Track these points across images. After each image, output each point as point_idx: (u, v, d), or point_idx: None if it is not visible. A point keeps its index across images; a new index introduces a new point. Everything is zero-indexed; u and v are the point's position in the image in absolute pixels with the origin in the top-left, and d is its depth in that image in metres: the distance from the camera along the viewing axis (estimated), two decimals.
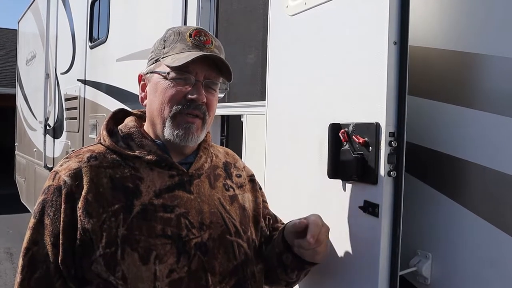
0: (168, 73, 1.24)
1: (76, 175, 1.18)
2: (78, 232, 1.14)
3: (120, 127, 1.31)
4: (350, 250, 1.34)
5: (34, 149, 7.37)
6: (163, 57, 1.27)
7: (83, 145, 4.98)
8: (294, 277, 1.39)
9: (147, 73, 1.31)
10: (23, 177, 8.50)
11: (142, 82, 1.34)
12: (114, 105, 4.16)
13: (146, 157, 1.24)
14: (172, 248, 1.17)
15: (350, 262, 1.34)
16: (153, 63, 1.30)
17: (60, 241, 1.14)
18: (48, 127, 6.58)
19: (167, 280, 1.15)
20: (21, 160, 8.80)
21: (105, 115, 4.35)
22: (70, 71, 5.58)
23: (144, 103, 1.33)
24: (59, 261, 1.14)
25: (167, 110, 1.24)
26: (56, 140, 6.19)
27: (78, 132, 5.18)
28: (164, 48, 1.28)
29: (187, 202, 1.24)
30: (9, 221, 9.60)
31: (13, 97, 9.93)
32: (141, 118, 1.38)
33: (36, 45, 7.46)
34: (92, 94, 4.79)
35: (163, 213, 1.19)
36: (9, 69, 14.71)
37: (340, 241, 1.38)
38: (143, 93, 1.33)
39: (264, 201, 1.51)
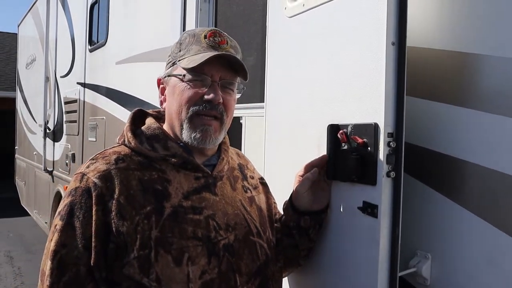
0: (184, 75, 1.25)
1: (105, 177, 1.18)
2: (112, 234, 1.13)
3: (143, 128, 1.31)
4: (349, 251, 1.34)
5: (34, 153, 7.37)
6: (179, 60, 1.28)
7: (82, 148, 5.01)
8: (315, 236, 1.43)
9: (165, 77, 1.33)
10: (23, 180, 8.50)
11: (161, 86, 1.36)
12: (113, 108, 4.16)
13: (172, 159, 1.25)
14: (203, 249, 1.19)
15: (349, 263, 1.34)
16: (170, 67, 1.32)
17: (93, 244, 1.13)
18: (48, 130, 6.57)
19: (199, 281, 1.17)
20: (21, 163, 8.80)
21: (104, 118, 4.36)
22: (70, 74, 5.58)
23: (164, 106, 1.34)
24: (92, 264, 1.13)
25: (185, 112, 1.25)
26: (56, 143, 6.19)
27: (77, 135, 5.18)
28: (180, 51, 1.29)
29: (214, 204, 1.26)
30: (9, 225, 9.60)
31: (13, 100, 9.93)
32: (157, 118, 1.38)
33: (36, 49, 7.47)
34: (92, 97, 4.79)
35: (192, 215, 1.21)
36: (9, 73, 14.74)
37: (339, 242, 1.38)
38: (162, 96, 1.35)
39: (274, 202, 1.54)
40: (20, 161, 8.86)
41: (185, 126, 1.25)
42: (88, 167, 1.22)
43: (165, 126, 1.34)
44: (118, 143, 1.31)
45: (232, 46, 1.31)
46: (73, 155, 5.27)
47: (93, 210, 1.15)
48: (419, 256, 1.40)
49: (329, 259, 1.43)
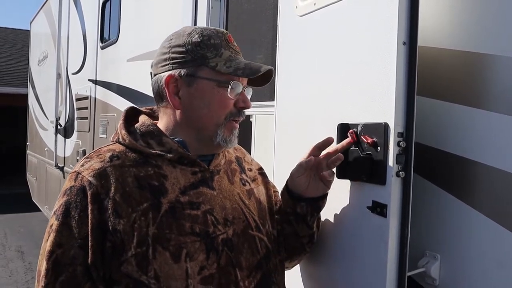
0: (219, 81, 1.23)
1: (100, 175, 1.17)
2: (108, 233, 1.13)
3: (137, 125, 1.30)
4: (358, 251, 1.34)
5: (46, 149, 7.44)
6: (209, 62, 1.22)
7: (93, 145, 5.04)
8: (314, 225, 1.42)
9: (184, 75, 1.23)
10: (34, 176, 8.58)
11: (172, 84, 1.25)
12: (124, 105, 4.18)
13: (168, 155, 1.24)
14: (201, 245, 1.18)
15: (358, 263, 1.34)
16: (192, 66, 1.23)
17: (89, 243, 1.12)
18: (59, 127, 6.63)
19: (198, 277, 1.16)
20: (32, 159, 8.89)
21: (115, 115, 4.38)
22: (81, 71, 5.62)
23: (179, 107, 1.26)
24: (89, 263, 1.12)
25: (222, 118, 1.25)
26: (67, 139, 6.24)
27: (88, 131, 5.22)
28: (205, 52, 1.23)
29: (211, 199, 1.25)
30: (20, 220, 9.69)
31: (25, 97, 10.02)
32: (150, 115, 1.37)
33: (48, 46, 7.54)
34: (103, 94, 4.83)
35: (190, 210, 1.20)
36: (22, 69, 14.86)
37: (348, 241, 1.38)
38: (175, 97, 1.25)
39: (275, 191, 1.52)
40: (32, 157, 8.94)
41: (220, 131, 1.26)
42: (82, 165, 1.21)
43: (160, 124, 1.31)
44: (113, 141, 1.30)
45: None
46: (84, 152, 5.31)
47: (89, 209, 1.13)
48: (428, 256, 1.40)
49: (337, 257, 1.43)
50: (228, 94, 1.24)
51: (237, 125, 1.30)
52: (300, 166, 1.36)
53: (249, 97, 1.33)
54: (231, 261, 1.22)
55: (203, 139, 1.28)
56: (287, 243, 1.44)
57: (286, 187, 1.42)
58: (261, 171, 1.51)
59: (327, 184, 1.37)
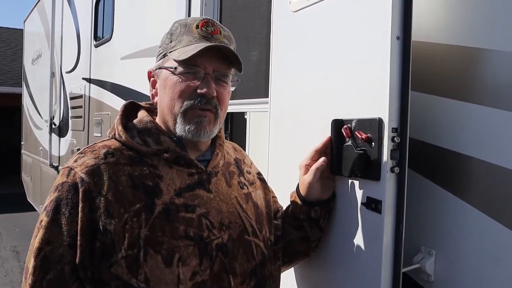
0: (176, 68, 1.20)
1: (93, 172, 1.13)
2: (99, 233, 1.09)
3: (135, 122, 1.26)
4: (352, 247, 1.33)
5: (40, 148, 7.40)
6: (170, 51, 1.23)
7: (88, 143, 5.02)
8: (325, 226, 1.41)
9: (156, 69, 1.28)
10: (29, 175, 8.54)
11: (152, 79, 1.31)
12: (118, 103, 4.16)
13: (165, 154, 1.20)
14: (195, 250, 1.14)
15: (353, 259, 1.33)
16: (161, 59, 1.27)
17: (78, 242, 1.09)
18: (53, 126, 6.60)
19: (190, 283, 1.13)
20: (27, 159, 8.84)
21: (110, 113, 4.36)
22: (75, 70, 5.59)
23: (155, 99, 1.30)
24: (76, 262, 1.09)
25: (178, 106, 1.21)
26: (61, 138, 6.21)
27: (83, 130, 5.19)
28: (171, 42, 1.25)
29: (207, 202, 1.21)
30: (15, 220, 9.65)
31: (19, 96, 9.97)
32: (149, 111, 1.33)
33: (41, 44, 7.50)
34: (97, 93, 4.80)
35: (184, 213, 1.16)
36: (16, 69, 14.78)
37: (343, 238, 1.37)
38: (153, 90, 1.30)
39: (274, 196, 1.50)
40: (26, 156, 8.90)
41: (178, 120, 1.21)
42: (76, 161, 1.17)
43: (158, 120, 1.29)
44: (109, 136, 1.27)
45: (225, 36, 1.25)
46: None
47: (79, 207, 1.10)
48: (423, 252, 1.39)
49: (332, 254, 1.42)
50: (179, 79, 1.20)
51: (203, 114, 1.21)
52: (316, 170, 1.34)
53: (232, 84, 1.29)
54: (224, 267, 1.18)
55: (175, 132, 1.23)
56: (291, 248, 1.42)
57: (299, 195, 1.40)
58: (260, 176, 1.49)
59: (333, 178, 1.39)
